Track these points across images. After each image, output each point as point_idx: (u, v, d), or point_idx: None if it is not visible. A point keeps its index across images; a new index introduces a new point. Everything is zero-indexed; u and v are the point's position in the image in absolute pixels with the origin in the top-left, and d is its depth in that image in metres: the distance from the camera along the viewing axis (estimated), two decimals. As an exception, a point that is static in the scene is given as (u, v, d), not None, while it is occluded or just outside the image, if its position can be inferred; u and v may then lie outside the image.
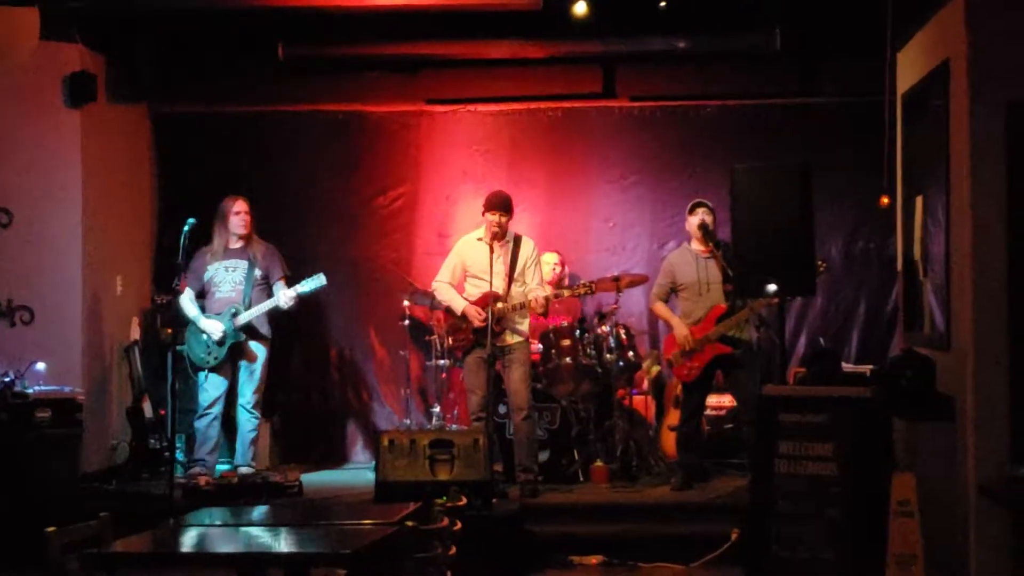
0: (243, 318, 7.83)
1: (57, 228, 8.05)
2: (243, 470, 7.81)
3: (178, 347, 7.80)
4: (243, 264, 7.96)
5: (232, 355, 7.90)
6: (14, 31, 7.93)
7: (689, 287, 7.68)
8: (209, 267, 7.97)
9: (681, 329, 7.62)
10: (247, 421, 7.96)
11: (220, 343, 7.81)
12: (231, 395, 8.00)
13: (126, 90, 8.70)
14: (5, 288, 7.88)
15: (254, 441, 8.01)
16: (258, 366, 7.96)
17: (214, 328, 7.81)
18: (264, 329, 8.00)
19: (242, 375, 7.96)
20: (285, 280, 7.98)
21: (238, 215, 7.97)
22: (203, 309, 7.99)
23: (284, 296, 7.83)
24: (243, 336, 7.86)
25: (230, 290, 7.92)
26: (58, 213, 8.05)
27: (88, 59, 8.20)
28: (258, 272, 7.95)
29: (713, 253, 7.59)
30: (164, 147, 9.27)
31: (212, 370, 7.86)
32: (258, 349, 7.97)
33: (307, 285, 7.85)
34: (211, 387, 7.89)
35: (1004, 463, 5.70)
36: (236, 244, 8.01)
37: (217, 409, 7.89)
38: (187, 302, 7.93)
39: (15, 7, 7.85)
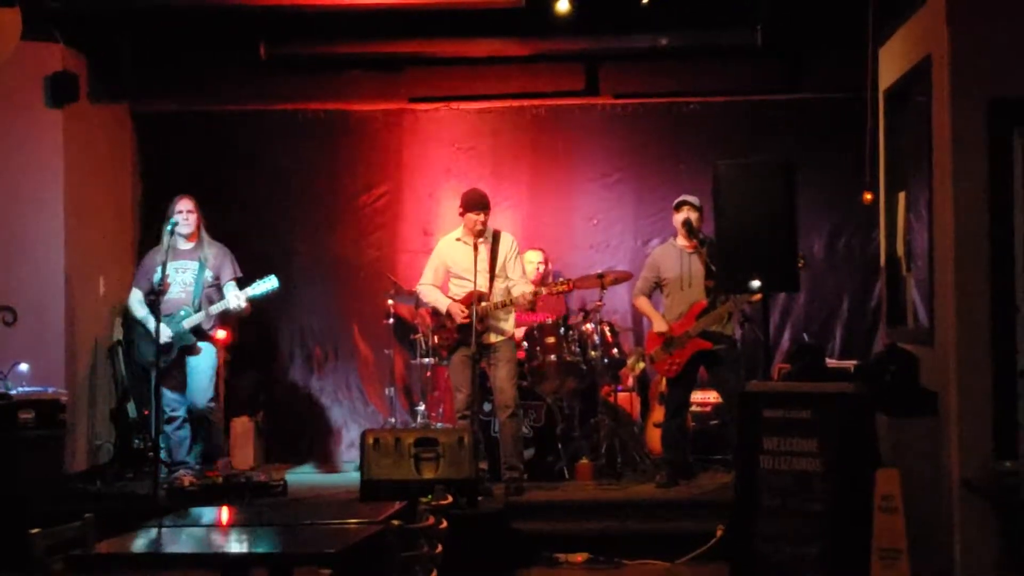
0: (191, 320, 7.66)
1: (39, 228, 8.01)
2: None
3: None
4: (193, 265, 7.77)
5: (183, 358, 7.73)
6: (-5, 31, 7.89)
7: (672, 282, 7.70)
8: (159, 267, 7.72)
9: (659, 324, 7.63)
10: (212, 425, 7.88)
11: (168, 345, 7.62)
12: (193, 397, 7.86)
13: (108, 90, 8.67)
14: (-13, 289, 7.84)
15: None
16: (210, 370, 7.78)
17: (160, 329, 7.57)
18: (215, 332, 7.81)
19: (195, 379, 7.75)
20: (236, 282, 7.81)
21: (180, 214, 7.74)
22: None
23: (234, 298, 7.69)
24: (192, 339, 7.69)
25: (179, 291, 7.72)
26: (40, 213, 8.02)
27: (69, 59, 8.17)
28: (208, 274, 7.77)
29: (697, 249, 7.61)
30: (146, 146, 9.23)
31: (164, 372, 7.63)
32: (207, 353, 7.77)
33: (257, 288, 7.69)
34: (167, 390, 7.71)
35: (988, 457, 5.72)
36: (186, 245, 7.80)
37: (182, 412, 7.75)
38: (135, 303, 7.82)
39: (-5, 8, 7.82)
